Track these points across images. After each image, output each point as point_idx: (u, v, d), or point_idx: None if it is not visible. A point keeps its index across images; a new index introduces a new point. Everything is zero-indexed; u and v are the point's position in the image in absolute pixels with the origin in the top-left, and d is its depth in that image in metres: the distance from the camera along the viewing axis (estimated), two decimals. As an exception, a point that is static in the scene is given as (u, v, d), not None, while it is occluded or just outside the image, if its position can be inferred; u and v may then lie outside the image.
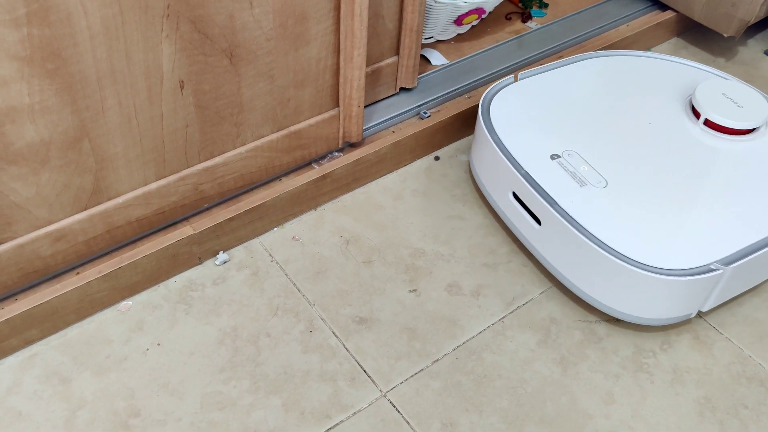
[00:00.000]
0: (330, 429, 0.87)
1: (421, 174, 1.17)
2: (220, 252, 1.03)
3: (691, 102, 1.09)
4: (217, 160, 0.98)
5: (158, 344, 0.94)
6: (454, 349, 0.95)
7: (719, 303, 0.97)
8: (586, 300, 0.98)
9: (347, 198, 1.13)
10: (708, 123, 1.05)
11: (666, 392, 0.92)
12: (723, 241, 0.93)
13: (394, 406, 0.89)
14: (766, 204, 0.98)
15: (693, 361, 0.95)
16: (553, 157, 1.02)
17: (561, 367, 0.94)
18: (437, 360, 0.94)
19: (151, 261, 0.97)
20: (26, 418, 0.86)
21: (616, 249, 0.91)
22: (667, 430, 0.88)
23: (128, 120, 0.86)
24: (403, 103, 1.20)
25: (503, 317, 0.99)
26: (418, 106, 1.20)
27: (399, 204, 1.12)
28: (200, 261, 1.02)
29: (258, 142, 1.01)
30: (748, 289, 1.00)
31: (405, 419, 0.88)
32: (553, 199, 0.97)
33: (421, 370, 0.93)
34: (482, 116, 1.09)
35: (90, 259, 0.95)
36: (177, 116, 0.90)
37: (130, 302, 0.98)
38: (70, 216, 0.89)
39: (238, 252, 1.05)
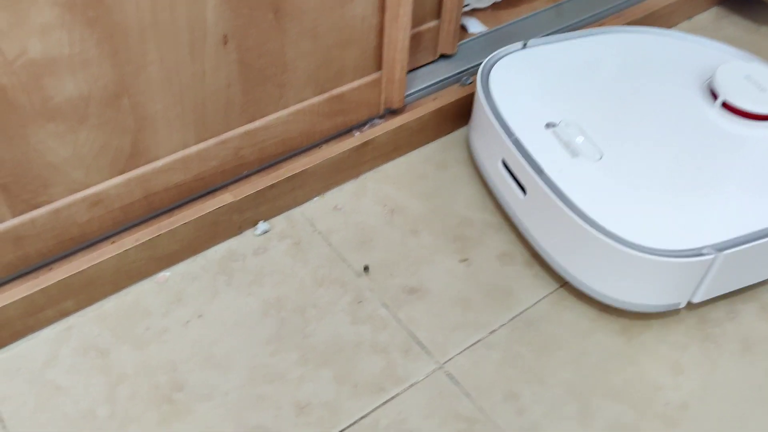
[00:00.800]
0: (385, 402, 0.82)
1: (464, 143, 1.12)
2: (260, 222, 0.99)
3: (709, 84, 1.01)
4: (259, 123, 0.93)
5: (199, 316, 0.89)
6: (510, 320, 0.90)
7: (711, 296, 0.89)
8: (568, 279, 0.92)
9: (388, 167, 1.08)
10: (726, 106, 0.97)
11: (736, 363, 0.87)
12: (720, 226, 0.85)
13: (452, 378, 0.85)
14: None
15: (762, 330, 0.90)
16: (549, 125, 0.96)
17: (624, 338, 0.89)
18: (494, 331, 0.89)
19: (190, 229, 0.92)
20: (65, 392, 0.81)
21: (600, 223, 0.85)
22: (740, 401, 0.83)
23: (169, 76, 0.81)
24: (443, 70, 1.15)
25: (558, 287, 0.94)
26: (459, 73, 1.15)
27: (442, 173, 1.08)
28: (240, 231, 0.97)
29: (300, 106, 0.96)
30: (745, 285, 0.92)
31: (465, 391, 0.83)
32: (539, 167, 0.91)
33: (478, 341, 0.88)
34: (481, 82, 1.03)
35: (127, 227, 0.90)
36: (219, 74, 0.85)
37: (168, 273, 0.93)
38: (107, 180, 0.84)
39: (279, 222, 1.00)
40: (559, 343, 0.88)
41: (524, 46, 1.09)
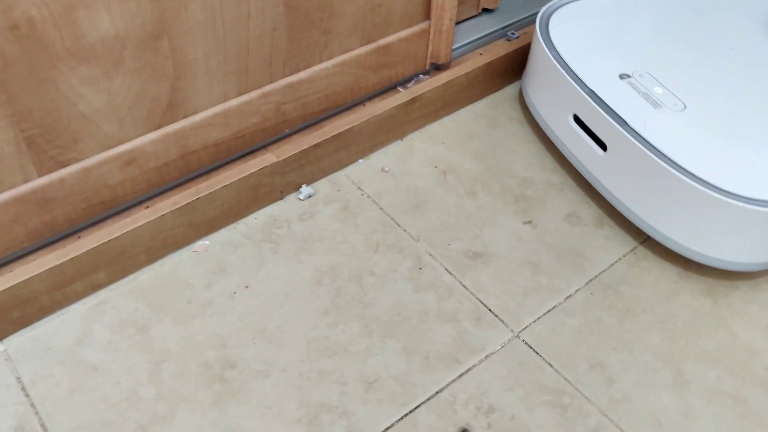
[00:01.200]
0: (462, 374, 0.74)
1: (514, 100, 1.04)
2: (303, 185, 0.90)
3: None
4: (302, 75, 0.85)
5: (246, 287, 0.80)
6: (586, 284, 0.83)
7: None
8: (655, 237, 0.84)
9: (435, 127, 1.00)
10: None
11: (833, 323, 0.80)
12: None
13: (531, 348, 0.77)
14: None
15: None
16: (623, 76, 0.88)
17: (710, 299, 0.82)
18: (570, 296, 0.81)
19: (230, 192, 0.83)
20: (103, 372, 0.72)
21: (696, 174, 0.77)
22: (843, 363, 0.77)
23: (212, 17, 0.73)
24: (487, 25, 1.07)
25: (635, 247, 0.87)
26: (503, 27, 1.07)
27: (494, 132, 1.00)
28: (281, 195, 0.89)
29: (345, 56, 0.87)
30: None
31: (546, 361, 0.75)
32: (623, 119, 0.83)
33: (554, 307, 0.80)
34: (540, 33, 0.95)
35: (162, 190, 0.81)
36: (265, 16, 0.76)
37: (207, 241, 0.84)
38: (143, 135, 0.75)
39: (322, 186, 0.91)
40: (641, 307, 0.81)
41: None
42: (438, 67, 1.00)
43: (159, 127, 0.76)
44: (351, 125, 0.90)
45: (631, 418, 0.71)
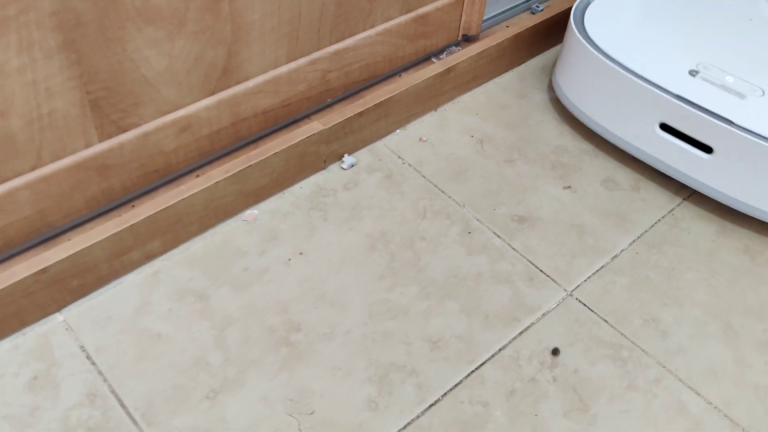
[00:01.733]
0: (522, 332, 0.75)
1: (540, 73, 1.06)
2: (345, 155, 0.90)
3: None
4: (348, 42, 0.85)
5: (300, 253, 0.80)
6: (630, 244, 0.85)
7: None
8: None
9: (466, 98, 1.01)
10: None
11: None
12: None
13: (585, 305, 0.78)
14: None
15: None
16: (692, 73, 0.87)
17: (748, 256, 0.85)
18: (616, 256, 0.83)
19: (280, 160, 0.83)
20: (168, 339, 0.71)
21: None
22: None
23: (268, -20, 0.73)
24: (510, -1, 1.09)
25: (672, 209, 0.89)
26: (527, 0, 1.09)
27: (524, 102, 1.01)
28: (325, 165, 0.89)
29: (387, 25, 0.88)
30: None
31: (601, 317, 0.77)
32: (727, 119, 0.81)
33: (602, 267, 0.82)
34: (580, 33, 0.92)
35: (211, 159, 0.80)
36: (317, -19, 0.77)
37: (256, 211, 0.84)
38: (198, 101, 0.75)
39: (363, 156, 0.92)
40: (686, 265, 0.83)
41: None
42: (468, 39, 1.01)
43: (213, 92, 0.76)
44: (391, 94, 0.91)
45: (688, 368, 0.74)
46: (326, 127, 0.85)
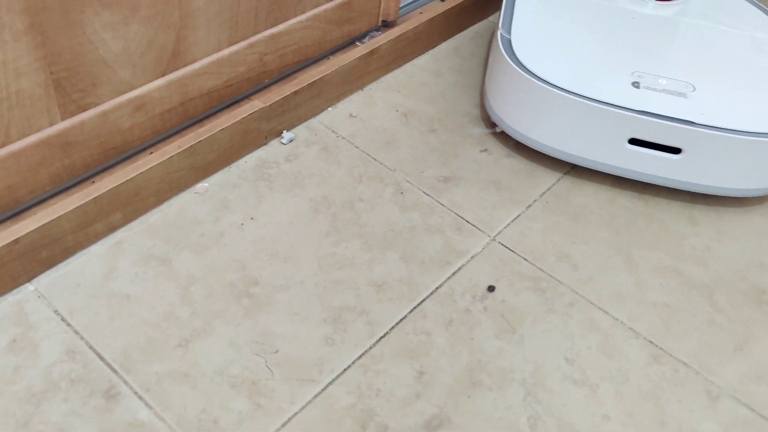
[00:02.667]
0: (455, 272, 0.86)
1: (452, 54, 1.17)
2: (284, 131, 0.98)
3: None
4: (281, 27, 0.93)
5: (251, 218, 0.88)
6: (541, 196, 0.97)
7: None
8: (749, 195, 0.96)
9: (389, 78, 1.11)
10: None
11: (739, 217, 0.98)
12: None
13: (507, 248, 0.89)
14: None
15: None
16: (635, 84, 0.94)
17: (642, 201, 0.98)
18: (530, 206, 0.95)
19: (225, 136, 0.90)
20: (137, 299, 0.78)
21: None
22: (747, 248, 0.94)
23: (210, -30, 0.80)
24: (420, -12, 1.20)
25: (570, 169, 1.02)
26: (435, -10, 1.20)
27: (441, 80, 1.12)
28: (266, 141, 0.97)
29: (316, 11, 0.97)
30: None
31: (521, 257, 0.88)
32: (689, 120, 0.90)
33: (519, 215, 0.94)
34: (516, 65, 0.96)
35: (164, 136, 0.87)
36: (252, -30, 0.85)
37: (206, 184, 0.91)
38: (151, 81, 0.81)
39: (301, 131, 1.00)
40: (590, 209, 0.96)
41: (503, 32, 1.02)
42: (387, 24, 1.11)
43: (164, 74, 0.82)
44: (322, 75, 1.00)
45: (596, 293, 0.86)
46: (266, 105, 0.93)
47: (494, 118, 1.02)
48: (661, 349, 0.81)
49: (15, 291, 0.77)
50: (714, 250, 0.93)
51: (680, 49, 1.02)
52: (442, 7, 1.16)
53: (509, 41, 1.00)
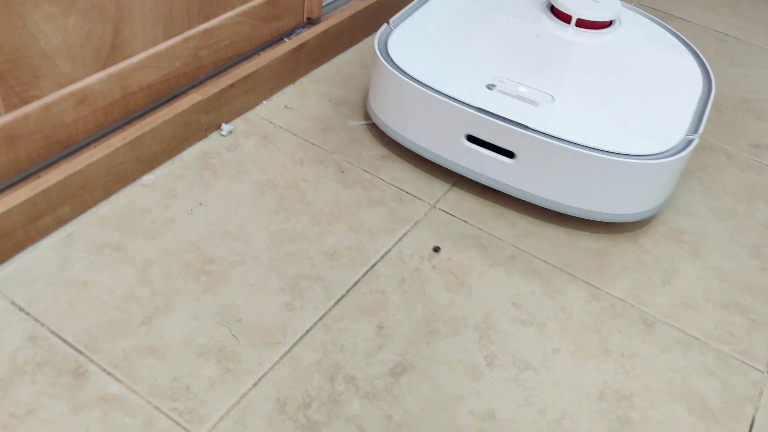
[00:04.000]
0: (401, 237, 0.90)
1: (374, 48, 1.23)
2: (223, 124, 1.01)
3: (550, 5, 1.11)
4: (213, 22, 0.97)
5: (200, 204, 0.90)
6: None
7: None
8: (575, 214, 0.93)
9: (318, 72, 1.16)
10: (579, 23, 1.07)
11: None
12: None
13: (447, 212, 0.94)
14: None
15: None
16: (489, 87, 0.95)
17: (564, 164, 1.05)
18: (459, 181, 1.01)
19: (168, 128, 0.92)
20: (95, 284, 0.78)
21: (608, 149, 0.88)
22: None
23: (143, -36, 0.83)
24: (340, -11, 1.26)
25: (501, 137, 1.08)
26: (353, -10, 1.26)
27: (366, 72, 1.18)
28: (206, 133, 0.99)
29: (244, 7, 1.01)
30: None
31: (461, 219, 0.94)
32: (524, 125, 0.90)
33: (454, 184, 0.99)
34: (386, 61, 0.98)
35: (108, 130, 0.88)
36: (183, -34, 0.88)
37: (152, 176, 0.92)
38: (92, 74, 0.83)
39: (239, 123, 1.03)
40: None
41: (389, 24, 1.05)
42: (312, 21, 1.16)
43: (104, 67, 0.84)
44: (255, 68, 1.03)
45: (534, 246, 0.92)
46: (204, 97, 0.96)
47: (370, 112, 1.04)
48: (597, 288, 0.87)
49: (-32, 287, 0.77)
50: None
51: (565, 67, 1.01)
52: (362, 5, 1.22)
53: (390, 32, 1.03)
